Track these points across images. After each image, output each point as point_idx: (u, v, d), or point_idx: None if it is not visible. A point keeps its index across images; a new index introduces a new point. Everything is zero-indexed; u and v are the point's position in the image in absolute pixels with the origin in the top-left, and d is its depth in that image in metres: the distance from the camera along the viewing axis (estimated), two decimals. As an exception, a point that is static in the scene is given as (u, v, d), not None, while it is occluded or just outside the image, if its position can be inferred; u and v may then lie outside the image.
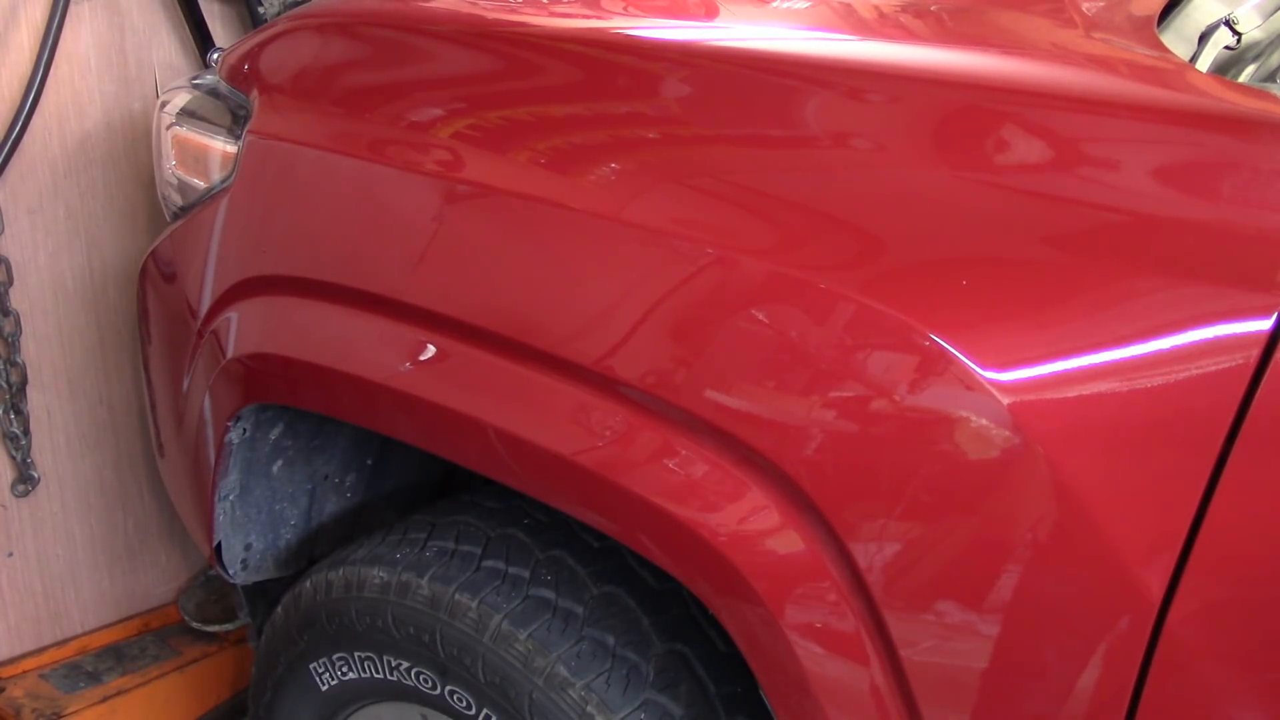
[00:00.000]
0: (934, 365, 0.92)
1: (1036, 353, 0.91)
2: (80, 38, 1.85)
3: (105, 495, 2.07)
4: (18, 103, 1.78)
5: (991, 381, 0.90)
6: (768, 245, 1.02)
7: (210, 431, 1.51)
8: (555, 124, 1.19)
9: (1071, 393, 0.90)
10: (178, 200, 1.59)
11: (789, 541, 1.01)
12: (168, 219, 1.64)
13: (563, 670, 1.21)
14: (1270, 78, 1.10)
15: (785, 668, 1.04)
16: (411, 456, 1.67)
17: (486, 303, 1.18)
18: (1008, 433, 0.90)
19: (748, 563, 1.02)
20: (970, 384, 0.91)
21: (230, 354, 1.42)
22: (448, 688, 1.30)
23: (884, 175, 1.03)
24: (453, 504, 1.45)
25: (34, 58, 1.78)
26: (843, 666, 1.01)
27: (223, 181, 1.47)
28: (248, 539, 1.59)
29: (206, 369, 1.48)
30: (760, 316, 1.00)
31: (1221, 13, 1.18)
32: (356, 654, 1.38)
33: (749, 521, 1.02)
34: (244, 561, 1.60)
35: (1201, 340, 0.86)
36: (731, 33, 1.29)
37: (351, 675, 1.40)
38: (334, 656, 1.41)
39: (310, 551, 1.66)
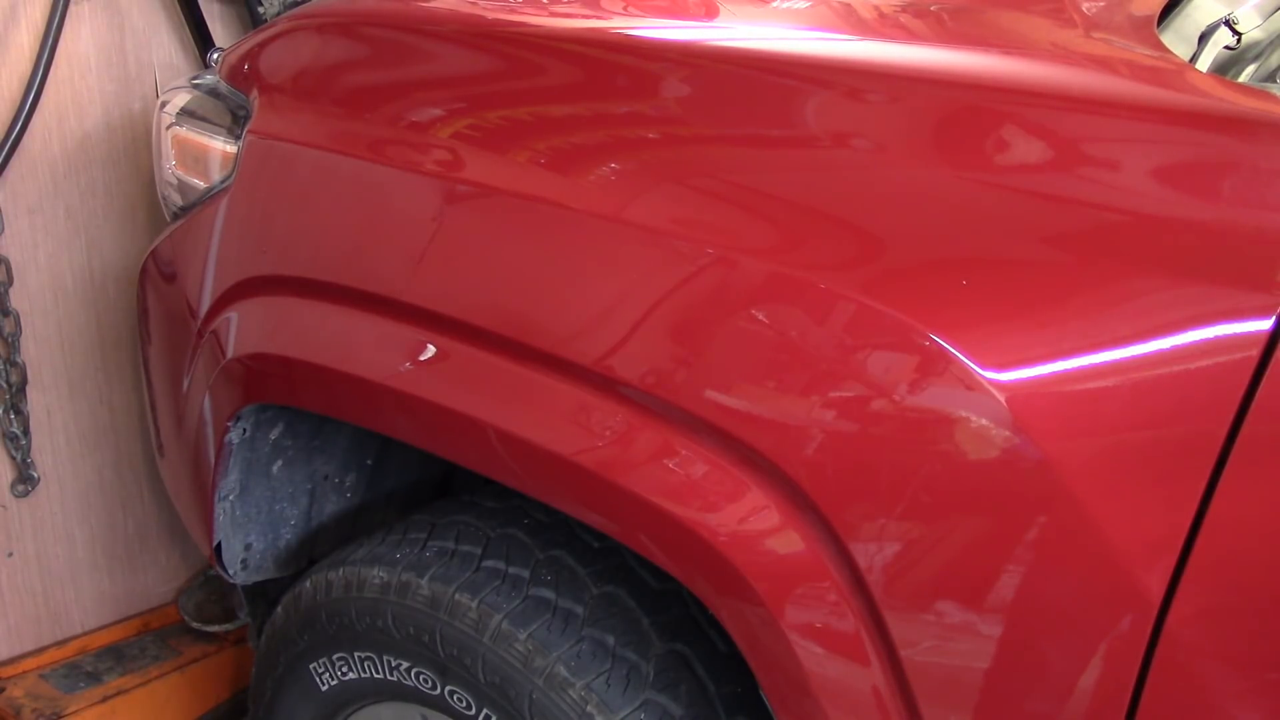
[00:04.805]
0: (934, 365, 0.92)
1: (1036, 353, 0.91)
2: (80, 38, 1.85)
3: (105, 495, 2.07)
4: (18, 103, 1.78)
5: (991, 381, 0.90)
6: (768, 245, 1.02)
7: (210, 431, 1.51)
8: (555, 124, 1.19)
9: (1071, 392, 0.90)
10: (178, 200, 1.59)
11: (789, 541, 1.01)
12: (168, 219, 1.64)
13: (563, 670, 1.21)
14: (1270, 78, 1.10)
15: (785, 668, 1.04)
16: (411, 456, 1.67)
17: (486, 303, 1.18)
18: (1008, 433, 0.90)
19: (748, 563, 1.02)
20: (970, 384, 0.91)
21: (230, 354, 1.42)
22: (448, 688, 1.30)
23: (884, 175, 1.03)
24: (453, 504, 1.45)
25: (34, 58, 1.78)
26: (843, 667, 1.01)
27: (223, 181, 1.47)
28: (248, 539, 1.59)
29: (206, 369, 1.48)
30: (760, 316, 1.00)
31: (1221, 13, 1.18)
32: (356, 654, 1.38)
33: (749, 521, 1.02)
34: (244, 561, 1.60)
35: (1201, 340, 0.86)
36: (731, 33, 1.29)
37: (351, 675, 1.40)
38: (334, 656, 1.41)
39: (310, 551, 1.66)
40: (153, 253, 1.64)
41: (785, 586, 1.01)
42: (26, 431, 1.93)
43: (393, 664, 1.35)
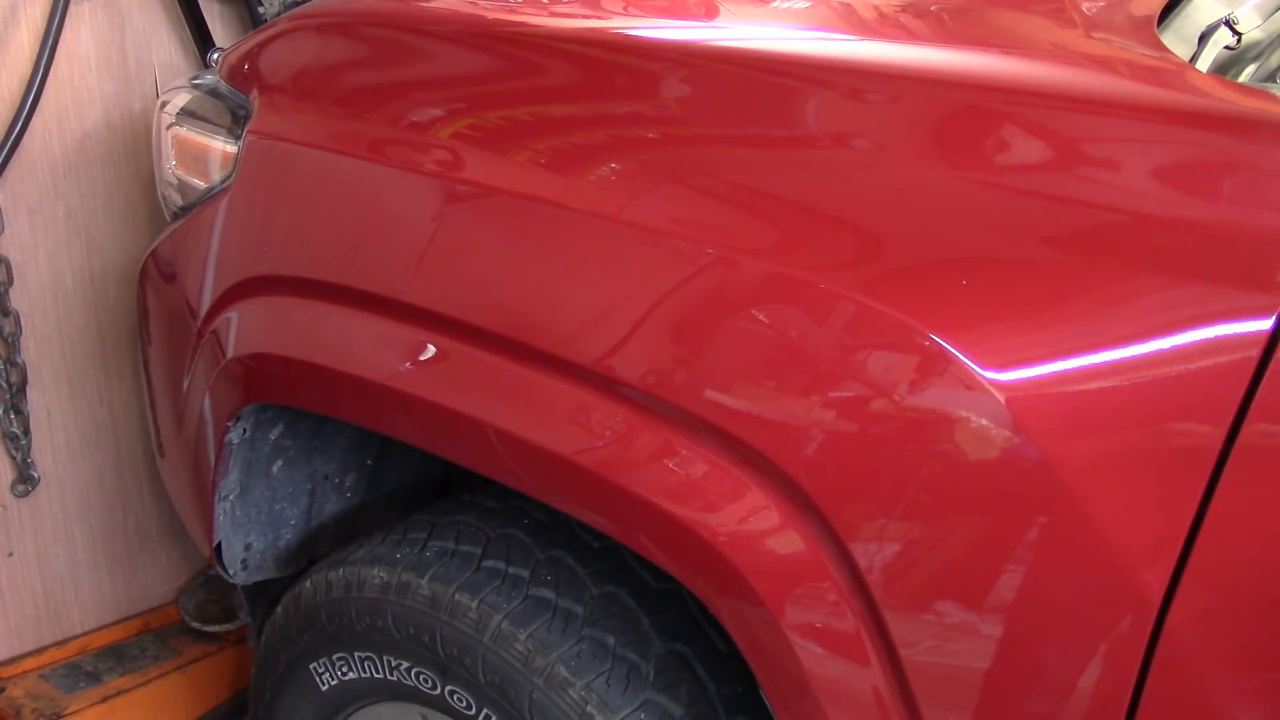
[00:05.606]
0: (934, 365, 0.92)
1: (1036, 353, 0.91)
2: (80, 38, 1.85)
3: (105, 495, 2.07)
4: (18, 103, 1.78)
5: (991, 381, 0.90)
6: (768, 245, 1.02)
7: (210, 431, 1.51)
8: (555, 124, 1.19)
9: (1071, 393, 0.90)
10: (178, 200, 1.59)
11: (789, 541, 1.01)
12: (168, 219, 1.64)
13: (563, 670, 1.21)
14: (1270, 78, 1.09)
15: (785, 668, 1.04)
16: (411, 456, 1.67)
17: (486, 303, 1.18)
18: (1007, 433, 0.90)
19: (748, 563, 1.02)
20: (970, 384, 0.91)
21: (230, 354, 1.42)
22: (448, 688, 1.30)
23: (884, 175, 1.03)
24: (453, 504, 1.45)
25: (34, 58, 1.78)
26: (843, 666, 1.01)
27: (223, 181, 1.47)
28: (248, 539, 1.59)
29: (206, 369, 1.48)
30: (760, 316, 1.00)
31: (1221, 13, 1.18)
32: (356, 654, 1.38)
33: (749, 521, 1.02)
34: (244, 561, 1.60)
35: (1201, 340, 0.86)
36: (731, 33, 1.29)
37: (351, 675, 1.40)
38: (334, 656, 1.41)
39: (310, 551, 1.66)
40: (153, 253, 1.64)
41: (785, 586, 1.01)
42: (26, 431, 1.93)
43: (393, 664, 1.35)
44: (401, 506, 1.72)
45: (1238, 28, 1.14)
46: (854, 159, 1.05)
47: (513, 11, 1.33)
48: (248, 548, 1.60)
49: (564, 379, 1.12)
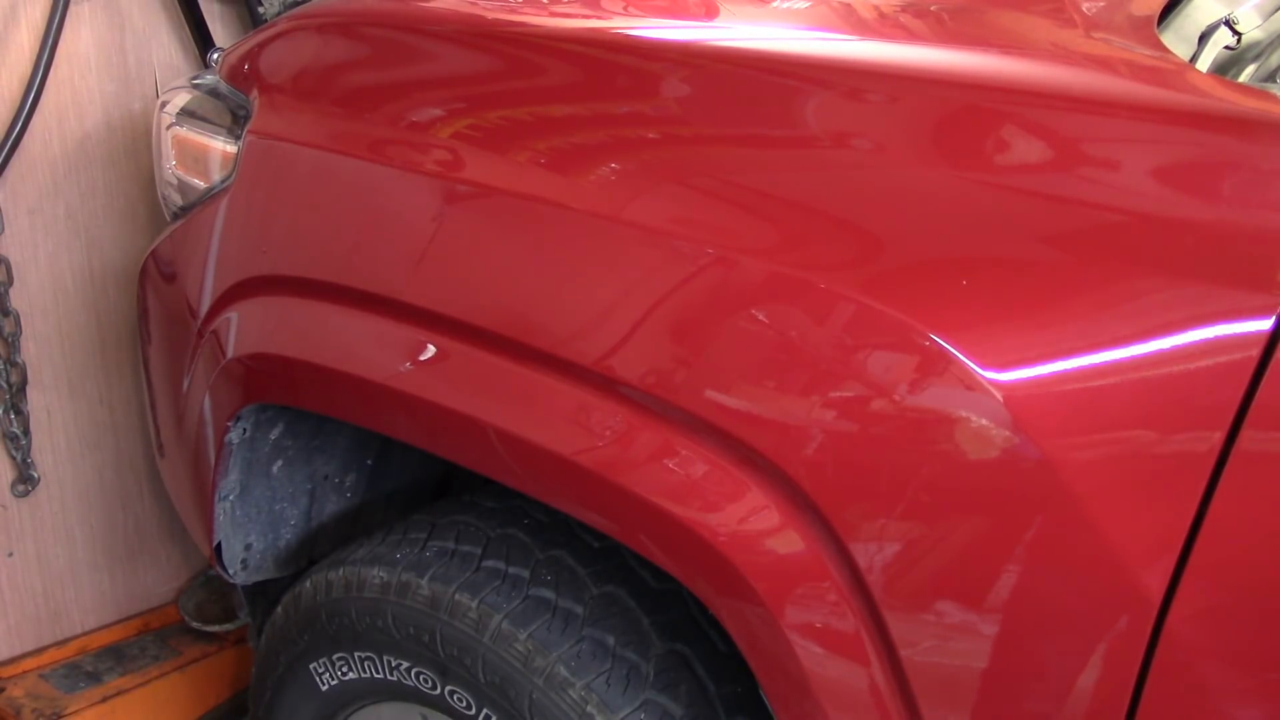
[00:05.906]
0: (934, 365, 0.92)
1: (1036, 353, 0.91)
2: (80, 38, 1.85)
3: (105, 495, 2.07)
4: (18, 103, 1.78)
5: (991, 381, 0.90)
6: (768, 245, 1.02)
7: (210, 431, 1.51)
8: (555, 124, 1.19)
9: (1071, 393, 0.90)
10: (178, 200, 1.59)
11: (789, 541, 1.01)
12: (168, 219, 1.64)
13: (563, 670, 1.21)
14: (1270, 78, 1.10)
15: (785, 668, 1.04)
16: (411, 456, 1.67)
17: (486, 303, 1.18)
18: (1007, 433, 0.90)
19: (748, 563, 1.02)
20: (970, 384, 0.91)
21: (230, 354, 1.42)
22: (448, 688, 1.30)
23: (884, 175, 1.03)
24: (453, 504, 1.45)
25: (34, 58, 1.78)
26: (843, 666, 1.01)
27: (223, 181, 1.47)
28: (248, 539, 1.59)
29: (206, 369, 1.48)
30: (760, 316, 1.00)
31: (1221, 13, 1.18)
32: (356, 654, 1.38)
33: (749, 521, 1.02)
34: (244, 561, 1.60)
35: (1201, 340, 0.86)
36: (731, 33, 1.29)
37: (351, 675, 1.40)
38: (334, 656, 1.41)
39: (310, 551, 1.66)
40: (153, 253, 1.64)
41: (785, 586, 1.01)
42: (26, 431, 1.93)
43: (393, 664, 1.35)
44: (401, 506, 1.72)
45: (1238, 28, 1.14)
46: (854, 159, 1.05)
47: (513, 11, 1.33)
48: (248, 548, 1.60)
49: (564, 379, 1.12)
